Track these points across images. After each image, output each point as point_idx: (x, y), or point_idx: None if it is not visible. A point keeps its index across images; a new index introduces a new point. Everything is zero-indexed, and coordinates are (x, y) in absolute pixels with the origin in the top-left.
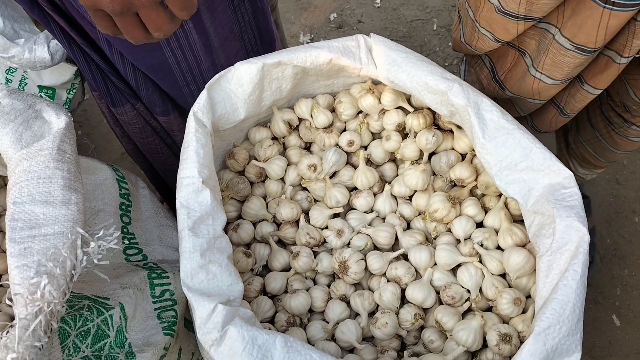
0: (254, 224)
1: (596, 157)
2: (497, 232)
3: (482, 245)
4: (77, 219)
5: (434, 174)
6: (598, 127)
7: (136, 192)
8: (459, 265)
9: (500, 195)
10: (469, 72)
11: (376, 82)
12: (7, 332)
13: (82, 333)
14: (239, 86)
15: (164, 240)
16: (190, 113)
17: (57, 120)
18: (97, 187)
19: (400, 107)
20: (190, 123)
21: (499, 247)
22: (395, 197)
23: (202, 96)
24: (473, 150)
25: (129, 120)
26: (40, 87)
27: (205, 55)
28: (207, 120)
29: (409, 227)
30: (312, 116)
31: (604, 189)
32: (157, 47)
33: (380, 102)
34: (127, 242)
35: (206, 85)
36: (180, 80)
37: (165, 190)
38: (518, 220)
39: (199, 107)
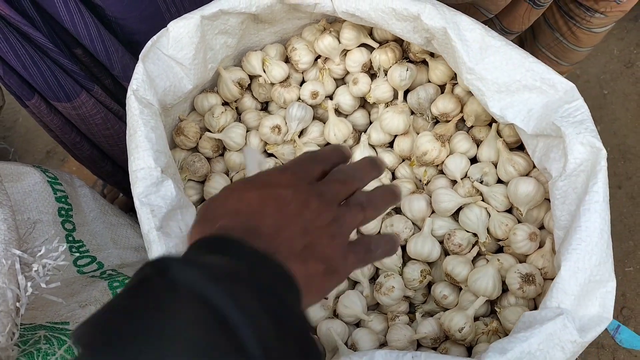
0: None
1: (558, 61)
2: (495, 164)
3: (482, 182)
4: (9, 239)
5: (412, 112)
6: (557, 26)
7: (74, 193)
8: (459, 210)
9: (490, 124)
10: None
11: (330, 21)
12: None
13: None
14: (178, 50)
15: (118, 241)
16: (129, 92)
17: None
18: (26, 195)
19: (363, 45)
20: (132, 104)
21: (499, 181)
22: (373, 147)
23: (138, 70)
24: (452, 79)
25: (89, 111)
26: None
27: None
28: (151, 98)
29: (393, 177)
30: (264, 71)
31: None
32: None
33: (340, 42)
34: (77, 252)
35: (140, 56)
36: (162, 5)
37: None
38: (513, 148)
39: (138, 84)
